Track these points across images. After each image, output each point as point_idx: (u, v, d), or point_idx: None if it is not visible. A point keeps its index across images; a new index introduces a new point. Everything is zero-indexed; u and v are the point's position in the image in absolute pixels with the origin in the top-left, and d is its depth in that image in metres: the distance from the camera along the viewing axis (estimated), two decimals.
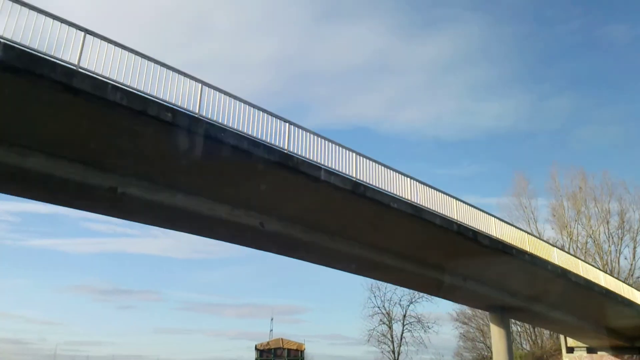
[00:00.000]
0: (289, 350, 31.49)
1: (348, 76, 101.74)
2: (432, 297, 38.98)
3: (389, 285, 42.19)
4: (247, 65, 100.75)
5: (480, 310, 41.49)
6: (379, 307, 41.51)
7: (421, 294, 40.00)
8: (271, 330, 40.85)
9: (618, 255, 39.20)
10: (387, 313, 41.70)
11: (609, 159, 75.29)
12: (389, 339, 41.47)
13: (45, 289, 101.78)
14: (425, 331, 40.67)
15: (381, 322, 41.44)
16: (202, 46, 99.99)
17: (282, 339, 32.01)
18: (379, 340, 40.89)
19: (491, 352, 38.62)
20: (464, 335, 45.26)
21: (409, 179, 14.64)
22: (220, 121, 10.74)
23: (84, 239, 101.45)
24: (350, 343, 74.20)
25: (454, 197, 16.20)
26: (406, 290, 45.66)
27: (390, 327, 41.50)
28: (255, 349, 31.79)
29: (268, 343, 31.97)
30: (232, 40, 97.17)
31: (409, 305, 41.72)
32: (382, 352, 40.94)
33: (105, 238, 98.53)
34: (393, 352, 40.60)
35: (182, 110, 10.30)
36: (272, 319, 42.15)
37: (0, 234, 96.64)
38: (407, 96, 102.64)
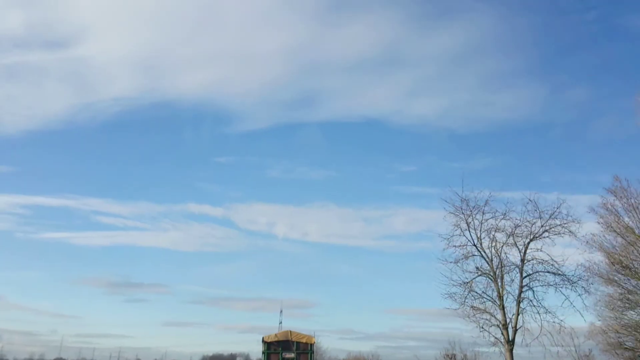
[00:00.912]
0: (297, 343, 29.46)
1: (359, 68, 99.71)
2: (575, 228, 21.51)
3: (491, 205, 22.21)
4: (257, 56, 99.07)
5: None
6: (475, 244, 21.95)
7: (557, 219, 21.30)
8: (280, 323, 38.98)
9: None
10: (489, 259, 21.73)
11: (626, 149, 72.61)
12: (492, 300, 21.49)
13: (56, 281, 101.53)
14: (572, 288, 20.76)
15: (479, 272, 21.74)
16: (211, 38, 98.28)
17: (290, 332, 30.01)
18: (473, 308, 21.42)
19: None
20: (627, 299, 26.01)
21: None
22: None
23: (95, 232, 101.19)
24: (361, 338, 72.63)
25: None
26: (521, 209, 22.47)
27: (495, 280, 21.40)
28: (263, 341, 29.81)
29: (276, 335, 29.95)
30: (241, 31, 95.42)
31: (530, 242, 21.67)
32: (480, 327, 21.23)
33: (116, 231, 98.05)
34: (504, 326, 20.74)
35: None
36: (281, 311, 40.41)
37: (11, 227, 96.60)
38: (419, 88, 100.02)
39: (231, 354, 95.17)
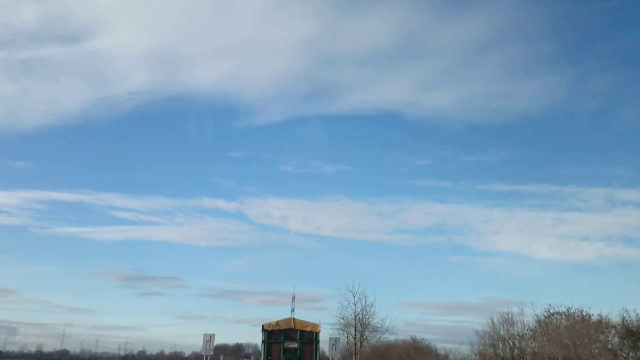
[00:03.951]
0: (301, 331, 26.33)
1: (375, 59, 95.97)
2: None
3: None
4: (271, 49, 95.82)
5: None
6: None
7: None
8: (293, 310, 36.07)
9: None
10: None
11: None
12: None
13: (71, 276, 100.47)
14: None
15: None
16: (226, 30, 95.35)
17: (293, 319, 26.85)
18: None
19: None
20: None
21: None
22: None
23: (109, 227, 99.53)
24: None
25: None
26: None
27: None
28: (263, 329, 26.63)
29: (278, 323, 26.76)
30: (256, 23, 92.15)
31: None
32: None
33: (130, 226, 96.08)
34: None
35: None
36: (294, 297, 37.66)
37: (28, 222, 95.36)
38: (437, 79, 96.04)
39: (237, 343, 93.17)
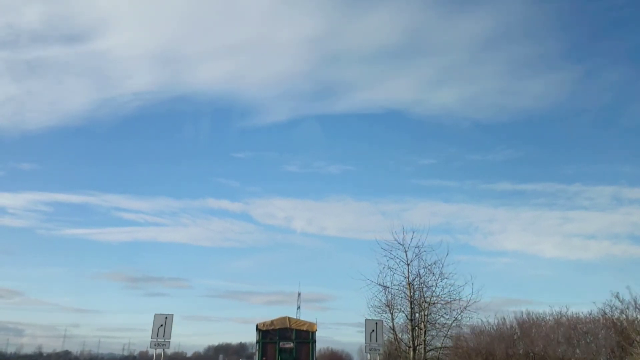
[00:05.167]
0: (297, 331, 25.27)
1: (380, 57, 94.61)
2: None
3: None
4: (276, 47, 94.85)
5: None
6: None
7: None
8: (298, 308, 35.15)
9: None
10: None
11: None
12: None
13: (77, 277, 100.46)
14: None
15: None
16: (230, 30, 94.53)
17: (288, 318, 25.76)
18: None
19: None
20: None
21: None
22: None
23: (115, 228, 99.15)
24: None
25: None
26: None
27: None
28: (257, 329, 25.60)
29: (272, 322, 25.67)
30: (261, 22, 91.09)
31: None
32: None
33: (136, 227, 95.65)
34: None
35: None
36: (299, 294, 36.71)
37: (34, 223, 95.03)
38: (443, 77, 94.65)
39: (240, 343, 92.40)
